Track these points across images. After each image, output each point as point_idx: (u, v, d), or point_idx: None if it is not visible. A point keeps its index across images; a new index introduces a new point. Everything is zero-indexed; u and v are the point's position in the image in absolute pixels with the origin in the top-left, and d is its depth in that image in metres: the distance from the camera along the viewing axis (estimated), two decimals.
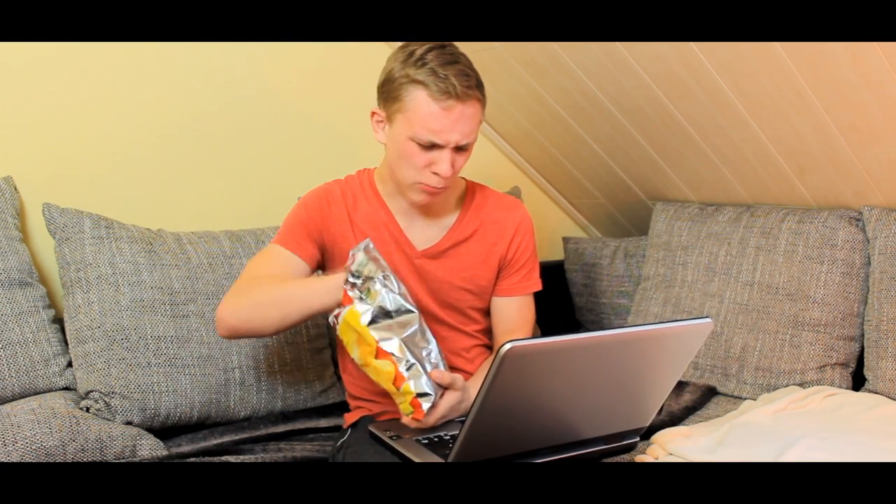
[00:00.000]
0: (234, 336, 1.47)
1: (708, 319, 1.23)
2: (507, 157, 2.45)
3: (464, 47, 1.46)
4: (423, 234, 1.54)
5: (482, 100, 1.42)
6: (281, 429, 1.67)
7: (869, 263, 1.78)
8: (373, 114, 1.47)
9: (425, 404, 1.30)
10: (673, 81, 1.82)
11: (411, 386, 1.29)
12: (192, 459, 1.53)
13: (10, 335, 1.57)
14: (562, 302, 2.39)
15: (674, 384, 1.32)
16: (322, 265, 1.55)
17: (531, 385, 1.14)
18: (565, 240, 2.47)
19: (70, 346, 1.63)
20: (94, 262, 1.63)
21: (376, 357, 1.29)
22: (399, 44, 1.46)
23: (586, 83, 1.98)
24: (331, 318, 1.34)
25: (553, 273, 2.26)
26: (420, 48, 1.39)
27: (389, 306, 1.29)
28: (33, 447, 1.40)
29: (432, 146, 1.39)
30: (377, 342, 1.29)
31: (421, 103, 1.36)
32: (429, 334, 1.34)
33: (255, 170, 2.04)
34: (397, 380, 1.30)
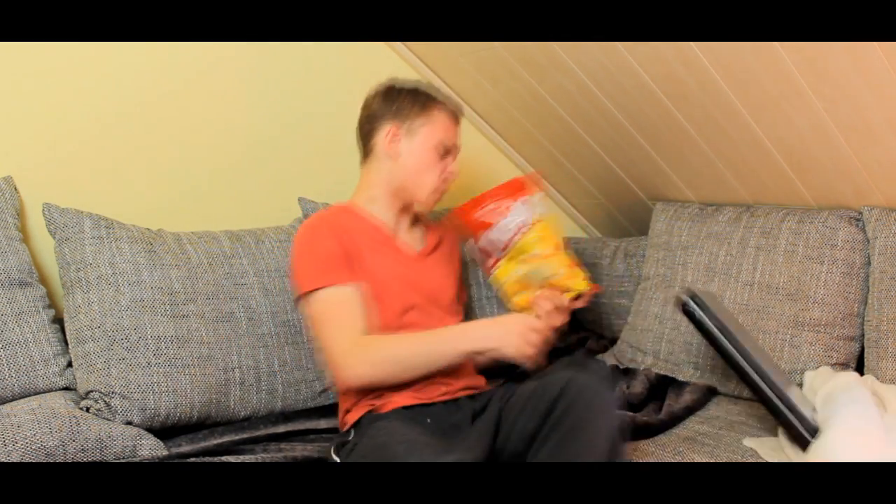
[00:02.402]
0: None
1: None
2: (508, 157, 2.45)
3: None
4: (412, 241, 1.72)
5: None
6: (281, 429, 1.67)
7: (869, 263, 1.77)
8: (388, 132, 1.64)
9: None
10: (673, 81, 1.82)
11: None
12: (192, 459, 1.53)
13: (10, 335, 1.57)
14: None
15: None
16: None
17: None
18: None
19: (70, 346, 1.63)
20: (94, 262, 1.63)
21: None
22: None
23: (586, 83, 1.98)
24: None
25: None
26: (406, 84, 1.70)
27: None
28: (33, 447, 1.40)
29: (446, 153, 1.68)
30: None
31: (444, 118, 1.68)
32: None
33: (255, 170, 2.04)
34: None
